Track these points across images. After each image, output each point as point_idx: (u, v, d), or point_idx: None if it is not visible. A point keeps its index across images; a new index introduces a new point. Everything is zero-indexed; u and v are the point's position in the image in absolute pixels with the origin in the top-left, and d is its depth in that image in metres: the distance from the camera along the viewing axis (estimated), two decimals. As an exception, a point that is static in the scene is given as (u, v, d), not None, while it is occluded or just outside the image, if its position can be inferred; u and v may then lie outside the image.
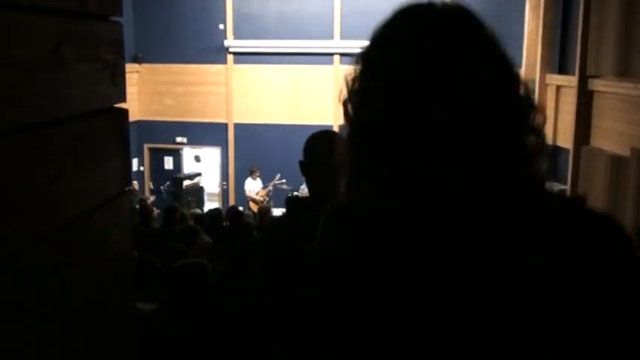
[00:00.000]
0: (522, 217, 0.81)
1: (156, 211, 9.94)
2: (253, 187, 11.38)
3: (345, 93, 0.91)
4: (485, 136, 0.80)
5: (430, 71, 0.81)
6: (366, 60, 0.89)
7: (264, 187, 11.39)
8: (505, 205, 0.82)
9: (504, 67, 0.85)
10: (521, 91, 0.86)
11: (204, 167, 14.11)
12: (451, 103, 0.80)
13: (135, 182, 11.50)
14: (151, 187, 13.08)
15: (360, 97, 0.88)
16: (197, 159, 13.59)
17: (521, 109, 0.85)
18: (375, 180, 0.88)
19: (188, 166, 13.73)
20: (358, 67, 0.89)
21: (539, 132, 0.86)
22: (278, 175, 11.45)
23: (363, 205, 0.90)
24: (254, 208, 10.99)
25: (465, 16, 0.86)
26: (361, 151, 0.88)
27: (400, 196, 0.85)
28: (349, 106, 0.90)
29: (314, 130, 2.41)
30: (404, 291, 0.83)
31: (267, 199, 11.15)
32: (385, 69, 0.85)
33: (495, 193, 0.82)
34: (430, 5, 0.87)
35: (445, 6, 0.87)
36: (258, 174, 11.44)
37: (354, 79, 0.90)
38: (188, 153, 13.70)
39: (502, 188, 0.82)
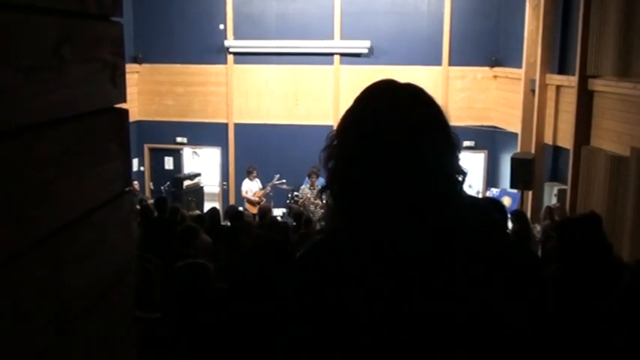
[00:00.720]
0: (455, 238, 1.12)
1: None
2: (250, 187, 11.34)
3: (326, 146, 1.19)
4: (426, 177, 1.11)
5: (386, 128, 1.11)
6: (344, 120, 1.19)
7: (262, 188, 11.36)
8: (443, 234, 1.11)
9: (444, 126, 1.16)
10: (453, 138, 1.18)
11: (204, 167, 14.12)
12: (407, 156, 1.09)
13: (135, 182, 11.50)
14: (151, 187, 13.08)
15: (337, 150, 1.17)
16: (195, 153, 13.58)
17: (454, 154, 1.18)
18: (348, 216, 1.16)
19: (188, 166, 13.74)
20: (339, 126, 1.18)
21: (463, 171, 1.20)
22: (277, 176, 11.44)
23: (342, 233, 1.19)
24: (250, 209, 10.94)
25: (419, 91, 1.20)
26: (338, 194, 1.17)
27: (368, 227, 1.12)
28: (328, 159, 1.18)
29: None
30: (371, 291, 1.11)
31: (264, 199, 11.10)
32: (358, 133, 1.15)
33: (436, 226, 1.11)
34: (393, 82, 1.23)
35: (406, 85, 1.23)
36: (255, 174, 11.40)
37: (333, 136, 1.18)
38: (188, 151, 13.73)
39: (442, 219, 1.12)
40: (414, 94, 1.20)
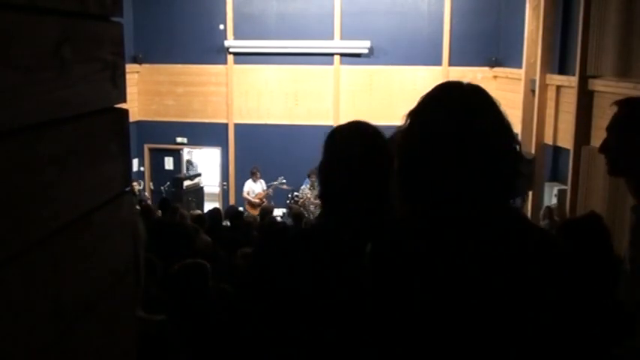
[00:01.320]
0: (506, 239, 1.19)
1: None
2: (252, 188, 11.28)
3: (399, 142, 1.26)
4: (492, 177, 1.17)
5: (459, 129, 1.17)
6: (414, 117, 1.24)
7: (266, 189, 11.30)
8: (496, 229, 1.20)
9: (508, 129, 1.21)
10: (517, 147, 1.23)
11: (204, 167, 14.12)
12: (474, 153, 1.15)
13: (136, 183, 11.50)
14: (152, 187, 13.07)
15: (407, 143, 1.23)
16: (190, 163, 13.48)
17: (517, 160, 1.22)
18: (419, 201, 1.23)
19: (198, 167, 13.76)
20: (407, 122, 1.25)
21: (524, 177, 1.25)
22: (281, 178, 11.43)
23: (409, 219, 1.27)
24: (250, 210, 10.90)
25: (484, 93, 1.22)
26: (407, 181, 1.24)
27: (435, 212, 1.21)
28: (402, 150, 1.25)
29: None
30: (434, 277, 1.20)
31: (264, 201, 11.06)
32: (429, 126, 1.21)
33: (492, 220, 1.19)
34: (461, 83, 1.25)
35: (471, 86, 1.25)
36: (259, 176, 11.34)
37: (403, 132, 1.24)
38: (186, 155, 13.72)
39: (497, 217, 1.20)
40: (484, 97, 1.23)
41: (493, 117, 1.20)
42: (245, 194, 11.26)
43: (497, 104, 1.22)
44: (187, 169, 13.55)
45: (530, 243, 1.20)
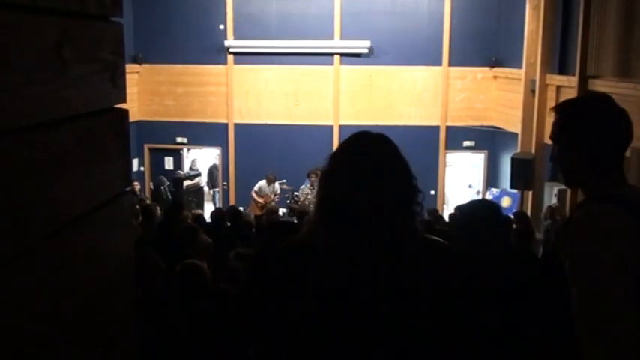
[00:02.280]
0: (410, 254, 1.47)
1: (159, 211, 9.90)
2: (263, 188, 11.16)
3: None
4: (393, 208, 1.46)
5: (364, 172, 1.47)
6: (331, 160, 1.55)
7: (276, 194, 11.22)
8: (401, 248, 1.47)
9: (407, 170, 1.51)
10: (414, 181, 1.52)
11: (204, 167, 14.12)
12: (377, 191, 1.45)
13: (136, 183, 11.51)
14: (151, 187, 13.07)
15: (324, 183, 1.55)
16: (190, 178, 13.42)
17: (414, 191, 1.51)
18: (328, 230, 1.50)
19: (188, 167, 13.75)
20: (327, 163, 1.55)
21: (420, 204, 1.52)
22: (284, 181, 11.42)
23: (319, 242, 1.53)
24: (254, 208, 10.89)
25: (386, 140, 1.54)
26: (322, 213, 1.53)
27: (341, 238, 1.48)
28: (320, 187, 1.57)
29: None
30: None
31: (270, 202, 11.00)
32: (340, 170, 1.52)
33: (396, 241, 1.47)
34: (368, 134, 1.56)
35: (377, 135, 1.56)
36: (273, 183, 11.24)
37: (322, 173, 1.56)
38: (191, 156, 13.72)
39: (400, 238, 1.47)
40: (386, 144, 1.55)
41: (391, 158, 1.50)
42: (253, 192, 11.21)
43: (396, 147, 1.54)
44: (191, 169, 13.56)
45: (424, 255, 1.51)
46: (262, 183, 11.16)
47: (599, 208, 1.56)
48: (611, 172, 1.67)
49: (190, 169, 13.36)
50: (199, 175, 13.55)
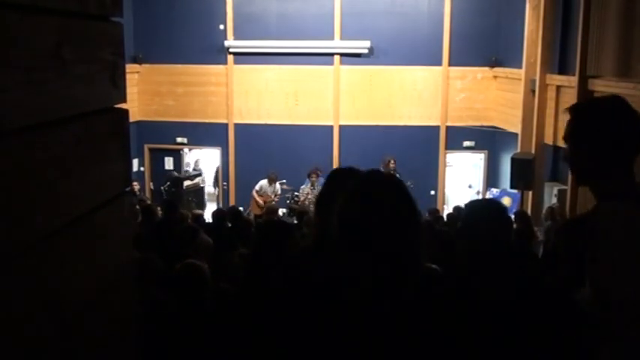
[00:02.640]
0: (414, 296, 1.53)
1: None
2: (264, 187, 11.15)
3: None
4: (400, 245, 1.50)
5: (372, 212, 1.52)
6: (351, 195, 1.59)
7: (277, 194, 11.21)
8: (406, 286, 1.51)
9: (413, 208, 1.54)
10: (420, 219, 1.55)
11: (208, 167, 14.11)
12: (384, 230, 1.49)
13: (135, 183, 11.50)
14: (152, 187, 13.08)
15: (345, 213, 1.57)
16: (190, 177, 13.38)
17: (420, 229, 1.54)
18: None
19: (192, 167, 13.74)
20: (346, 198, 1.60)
21: (423, 243, 1.55)
22: (284, 181, 11.41)
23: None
24: (255, 208, 10.89)
25: (396, 181, 1.60)
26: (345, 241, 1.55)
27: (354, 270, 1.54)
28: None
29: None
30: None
31: (270, 201, 10.98)
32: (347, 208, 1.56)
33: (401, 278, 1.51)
34: (377, 172, 1.64)
35: (386, 175, 1.64)
36: (276, 182, 11.23)
37: (342, 206, 1.58)
38: (188, 158, 13.72)
39: (405, 275, 1.51)
40: (396, 184, 1.62)
41: (402, 198, 1.58)
42: (254, 191, 11.20)
43: (404, 186, 1.62)
44: (194, 169, 13.55)
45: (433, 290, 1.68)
46: (264, 182, 11.16)
47: (609, 206, 1.63)
48: (621, 171, 1.70)
49: (194, 169, 13.33)
50: (199, 175, 13.55)
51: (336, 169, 2.26)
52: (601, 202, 1.68)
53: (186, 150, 13.32)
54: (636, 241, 1.51)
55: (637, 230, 1.52)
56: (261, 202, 10.93)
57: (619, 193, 1.65)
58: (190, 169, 13.35)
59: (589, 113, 1.76)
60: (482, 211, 2.66)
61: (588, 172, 1.74)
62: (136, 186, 11.61)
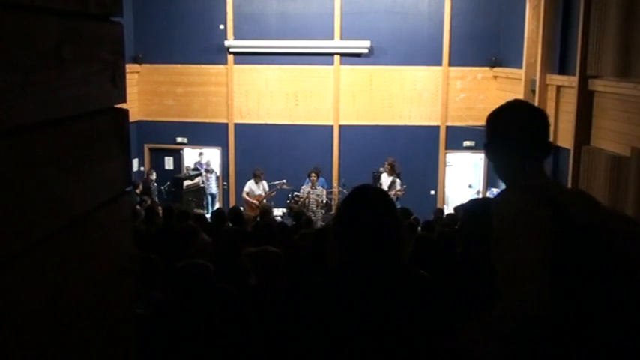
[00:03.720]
0: (399, 281, 2.04)
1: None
2: (252, 189, 11.10)
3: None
4: (387, 244, 2.04)
5: (365, 222, 2.03)
6: (340, 209, 2.21)
7: (268, 192, 11.17)
8: (393, 274, 2.04)
9: (395, 216, 2.12)
10: (404, 223, 2.05)
11: (215, 168, 14.05)
12: (377, 232, 2.03)
13: (152, 171, 11.64)
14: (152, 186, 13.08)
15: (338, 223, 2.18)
16: (190, 177, 13.31)
17: (404, 233, 2.10)
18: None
19: (204, 168, 13.67)
20: (339, 211, 2.25)
21: (408, 241, 2.28)
22: (284, 181, 11.40)
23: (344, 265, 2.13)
24: (249, 211, 10.79)
25: (384, 195, 2.22)
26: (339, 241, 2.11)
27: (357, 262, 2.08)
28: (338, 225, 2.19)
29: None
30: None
31: (264, 202, 10.95)
32: (349, 215, 2.12)
33: (389, 268, 2.05)
34: (370, 187, 2.29)
35: (375, 190, 2.27)
36: (262, 179, 11.15)
37: (336, 218, 2.31)
38: (189, 156, 13.67)
39: (392, 266, 2.06)
40: (383, 196, 2.17)
41: (386, 208, 2.08)
42: (244, 194, 11.17)
43: (389, 199, 2.19)
44: (207, 171, 13.52)
45: (410, 281, 2.04)
46: (251, 183, 11.07)
47: (508, 195, 1.85)
48: (526, 166, 1.88)
49: (206, 170, 13.25)
50: (200, 175, 13.54)
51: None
52: (504, 192, 1.89)
53: (198, 151, 13.19)
54: (521, 231, 1.66)
55: (524, 222, 1.67)
56: (255, 202, 10.84)
57: (518, 185, 1.84)
58: (203, 170, 13.16)
59: (488, 117, 2.03)
60: (478, 210, 2.69)
61: (495, 166, 1.97)
62: (153, 175, 11.76)
